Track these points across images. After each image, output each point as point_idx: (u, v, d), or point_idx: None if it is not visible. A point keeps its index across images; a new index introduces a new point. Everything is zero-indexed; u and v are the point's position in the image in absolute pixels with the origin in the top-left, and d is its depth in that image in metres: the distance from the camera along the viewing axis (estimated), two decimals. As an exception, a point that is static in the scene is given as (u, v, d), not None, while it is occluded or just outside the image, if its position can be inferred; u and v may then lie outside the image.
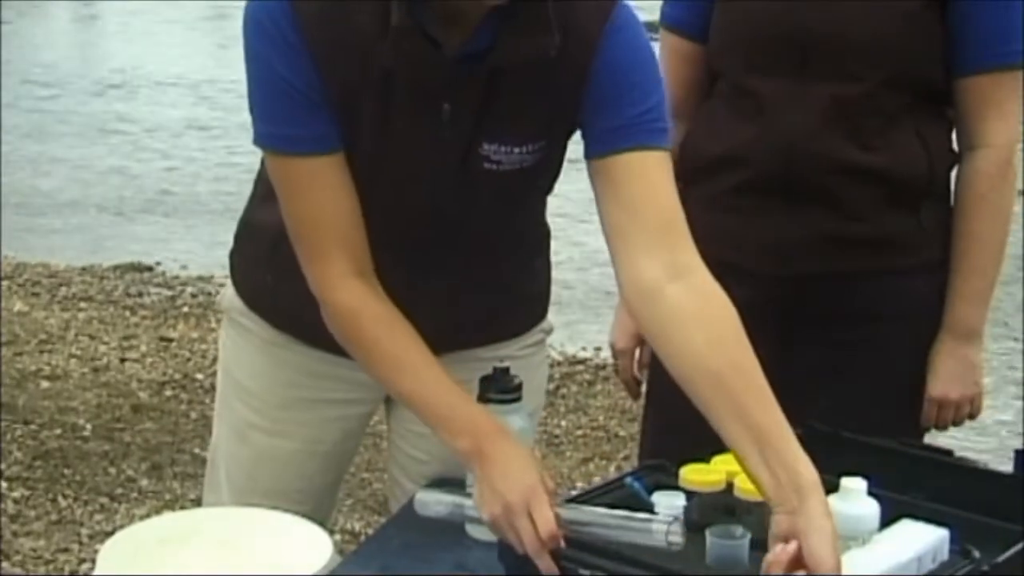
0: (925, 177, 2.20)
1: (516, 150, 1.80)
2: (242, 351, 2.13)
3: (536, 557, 1.62)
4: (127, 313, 5.89)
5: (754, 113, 2.19)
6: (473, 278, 1.98)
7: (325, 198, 1.79)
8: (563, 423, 4.80)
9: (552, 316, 2.19)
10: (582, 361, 5.35)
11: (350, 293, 1.80)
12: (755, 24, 2.19)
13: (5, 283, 6.21)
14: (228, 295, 2.16)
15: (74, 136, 9.64)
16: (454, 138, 1.79)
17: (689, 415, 2.22)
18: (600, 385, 5.12)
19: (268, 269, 2.03)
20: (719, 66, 2.28)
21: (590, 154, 1.80)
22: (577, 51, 1.75)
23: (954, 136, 2.26)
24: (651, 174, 1.75)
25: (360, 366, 1.86)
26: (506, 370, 1.84)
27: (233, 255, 2.16)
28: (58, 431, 4.58)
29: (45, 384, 5.00)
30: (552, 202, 2.03)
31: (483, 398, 1.82)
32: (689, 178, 2.24)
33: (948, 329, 2.22)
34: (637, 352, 2.40)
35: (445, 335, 1.89)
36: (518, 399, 1.84)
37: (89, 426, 4.63)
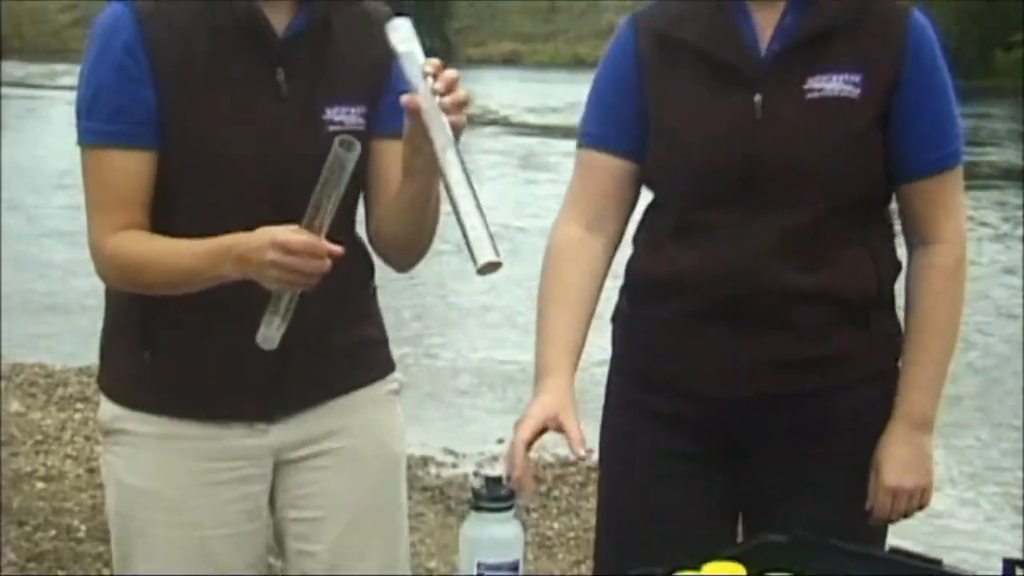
0: (874, 291, 2.19)
1: (353, 110, 2.07)
2: (131, 458, 2.17)
3: (320, 264, 1.84)
4: (123, 414, 5.89)
5: (700, 241, 2.15)
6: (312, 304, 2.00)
7: (127, 181, 2.01)
8: (555, 525, 4.80)
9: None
10: (574, 463, 5.36)
11: (118, 234, 2.02)
12: (698, 155, 2.14)
13: (3, 383, 6.23)
14: (106, 410, 2.21)
15: (71, 239, 9.70)
16: (292, 100, 2.03)
17: (642, 521, 2.22)
18: (592, 487, 5.11)
19: (143, 344, 2.11)
20: (660, 194, 2.23)
21: (381, 131, 2.10)
22: (380, 29, 1.98)
23: (896, 243, 2.24)
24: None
25: (140, 286, 2.04)
26: (498, 479, 1.87)
27: (104, 356, 2.22)
28: (53, 532, 4.59)
29: (40, 485, 5.01)
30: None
31: (477, 507, 1.85)
32: (636, 298, 2.23)
33: (903, 418, 2.19)
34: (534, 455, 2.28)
35: (291, 373, 2.08)
36: (511, 507, 1.87)
37: (84, 527, 4.63)
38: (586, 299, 2.16)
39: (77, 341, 7.27)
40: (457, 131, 1.83)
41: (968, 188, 2.26)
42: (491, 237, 1.78)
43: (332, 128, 2.04)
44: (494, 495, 1.85)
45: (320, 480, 2.18)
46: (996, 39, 29.33)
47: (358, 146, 1.84)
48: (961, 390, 6.48)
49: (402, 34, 1.90)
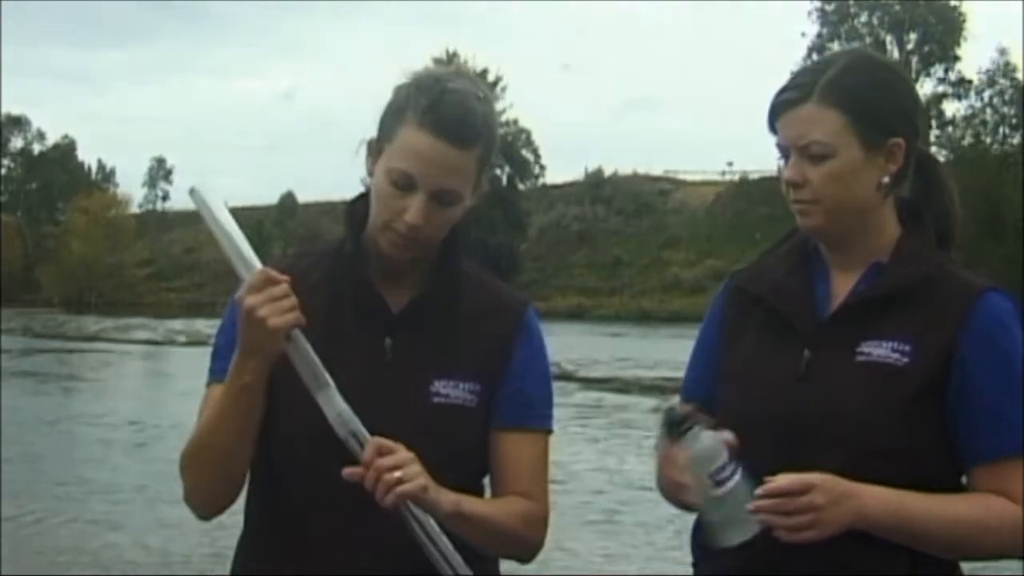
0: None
1: (463, 385, 2.08)
2: None
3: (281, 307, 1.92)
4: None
5: None
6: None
7: None
8: None
9: None
10: None
11: None
12: (742, 403, 2.12)
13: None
14: None
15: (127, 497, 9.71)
16: (397, 367, 2.06)
17: None
18: None
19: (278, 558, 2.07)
20: None
21: (494, 423, 2.10)
22: (508, 315, 2.13)
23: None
24: (523, 452, 2.11)
25: (206, 466, 2.05)
26: (672, 407, 2.01)
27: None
28: None
29: None
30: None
31: (672, 435, 1.98)
32: (699, 551, 2.15)
33: (859, 488, 1.95)
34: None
35: None
36: (691, 426, 1.97)
37: None
38: None
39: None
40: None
41: None
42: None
43: (436, 400, 2.06)
44: (673, 419, 1.98)
45: None
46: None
47: (203, 193, 2.00)
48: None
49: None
